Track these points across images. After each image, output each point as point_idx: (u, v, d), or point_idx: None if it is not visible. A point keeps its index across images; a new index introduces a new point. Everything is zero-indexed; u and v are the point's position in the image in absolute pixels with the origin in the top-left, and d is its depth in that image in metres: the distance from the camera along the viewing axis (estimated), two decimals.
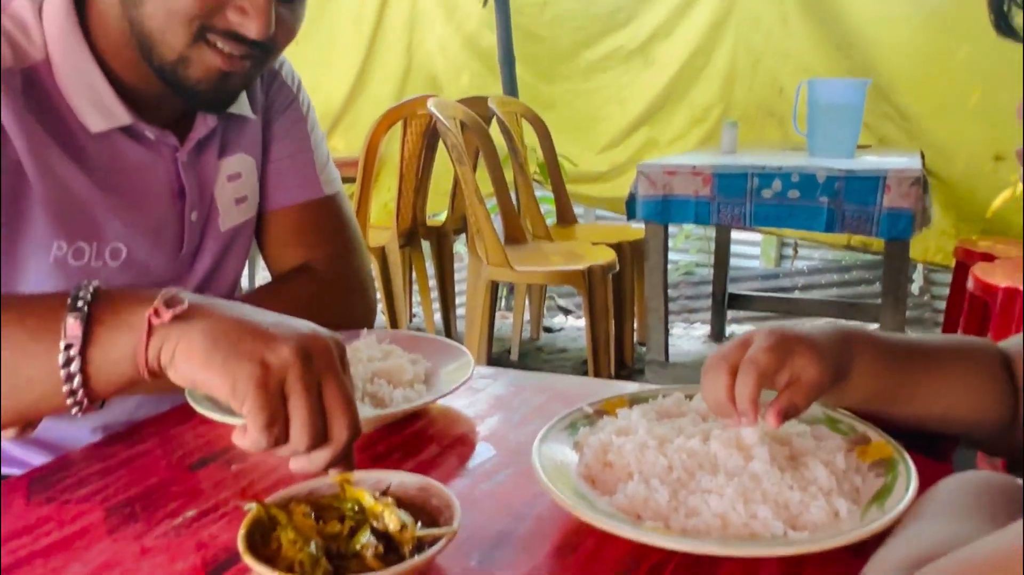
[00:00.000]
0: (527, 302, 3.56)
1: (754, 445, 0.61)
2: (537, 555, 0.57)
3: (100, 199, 0.84)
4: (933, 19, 3.34)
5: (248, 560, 0.50)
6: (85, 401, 0.62)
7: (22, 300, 0.66)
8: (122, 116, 0.83)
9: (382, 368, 0.82)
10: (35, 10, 0.82)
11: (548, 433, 0.67)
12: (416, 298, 3.80)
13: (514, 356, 3.41)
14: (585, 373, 2.89)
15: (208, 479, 0.71)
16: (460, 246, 3.94)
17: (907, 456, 0.61)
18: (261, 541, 0.53)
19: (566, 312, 4.33)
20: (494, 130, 3.23)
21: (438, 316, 3.69)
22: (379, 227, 3.27)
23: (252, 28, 0.77)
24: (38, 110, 0.80)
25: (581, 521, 0.57)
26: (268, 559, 0.51)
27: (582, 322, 3.95)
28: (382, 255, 3.13)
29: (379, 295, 3.19)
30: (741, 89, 3.66)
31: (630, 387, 0.87)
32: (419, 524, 0.54)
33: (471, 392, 0.85)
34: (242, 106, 0.93)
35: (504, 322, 3.86)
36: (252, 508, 0.54)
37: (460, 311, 3.67)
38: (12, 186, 0.79)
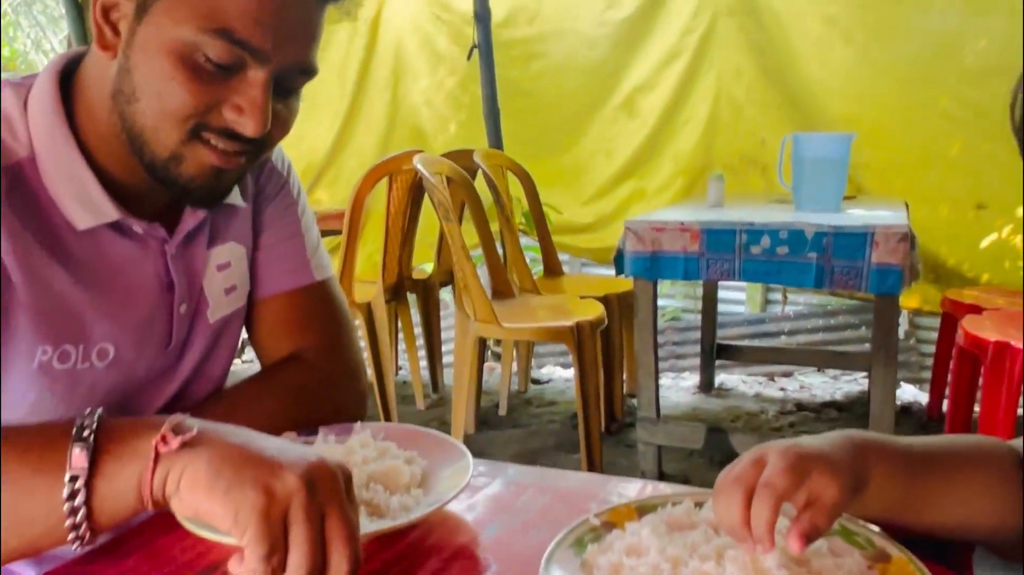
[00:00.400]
0: (515, 354, 3.53)
1: (772, 568, 0.59)
2: None
3: (86, 299, 0.82)
4: (913, 71, 3.39)
5: None
6: (88, 535, 0.61)
7: (22, 433, 0.64)
8: (109, 212, 0.81)
9: (377, 471, 0.79)
10: (20, 104, 0.80)
11: (554, 552, 0.64)
12: (402, 348, 3.76)
13: (502, 411, 3.37)
14: (575, 427, 2.85)
15: None
16: (446, 293, 3.92)
17: None
18: None
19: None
20: (480, 183, 3.23)
21: (424, 365, 3.65)
22: (365, 281, 3.24)
23: (248, 126, 0.76)
24: (23, 209, 0.77)
25: None
26: None
27: (570, 371, 3.93)
28: (368, 311, 3.09)
29: (365, 350, 3.15)
30: (724, 139, 3.69)
31: (633, 486, 0.84)
32: None
33: (469, 491, 0.82)
34: (233, 195, 0.91)
35: (492, 373, 3.82)
36: None
37: (447, 358, 3.65)
38: None
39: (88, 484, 0.60)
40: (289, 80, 0.79)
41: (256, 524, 0.55)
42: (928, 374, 4.22)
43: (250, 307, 0.99)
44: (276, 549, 0.55)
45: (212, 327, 0.93)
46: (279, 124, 0.80)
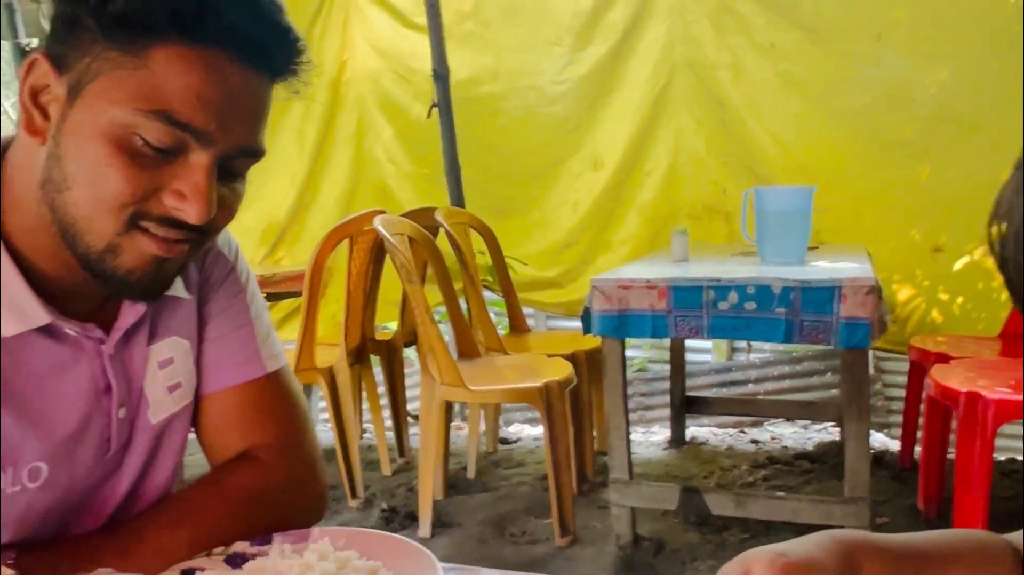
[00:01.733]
0: (482, 413, 3.46)
1: None
2: None
3: (13, 418, 0.74)
4: (866, 120, 3.44)
5: None
6: None
7: None
8: (39, 316, 0.74)
9: None
10: None
11: None
12: (366, 407, 3.66)
13: (471, 474, 3.28)
14: (546, 489, 2.78)
15: None
16: (410, 352, 3.84)
17: None
18: None
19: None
20: (442, 240, 3.19)
21: (388, 425, 3.55)
22: (326, 344, 3.16)
23: (192, 213, 0.71)
24: None
25: None
26: None
27: (539, 429, 3.86)
28: (330, 375, 3.01)
29: (328, 416, 3.06)
30: (686, 190, 3.69)
31: None
32: None
33: None
34: (175, 286, 0.84)
35: (459, 433, 3.74)
36: None
37: (413, 409, 3.55)
38: None
39: None
40: (234, 163, 0.74)
41: None
42: (896, 418, 4.24)
43: (197, 403, 0.91)
44: None
45: (155, 428, 0.86)
46: (224, 209, 0.75)
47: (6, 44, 4.07)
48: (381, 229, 2.65)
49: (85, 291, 0.78)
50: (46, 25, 0.74)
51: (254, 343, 0.93)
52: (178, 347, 0.87)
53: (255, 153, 0.76)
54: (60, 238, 0.72)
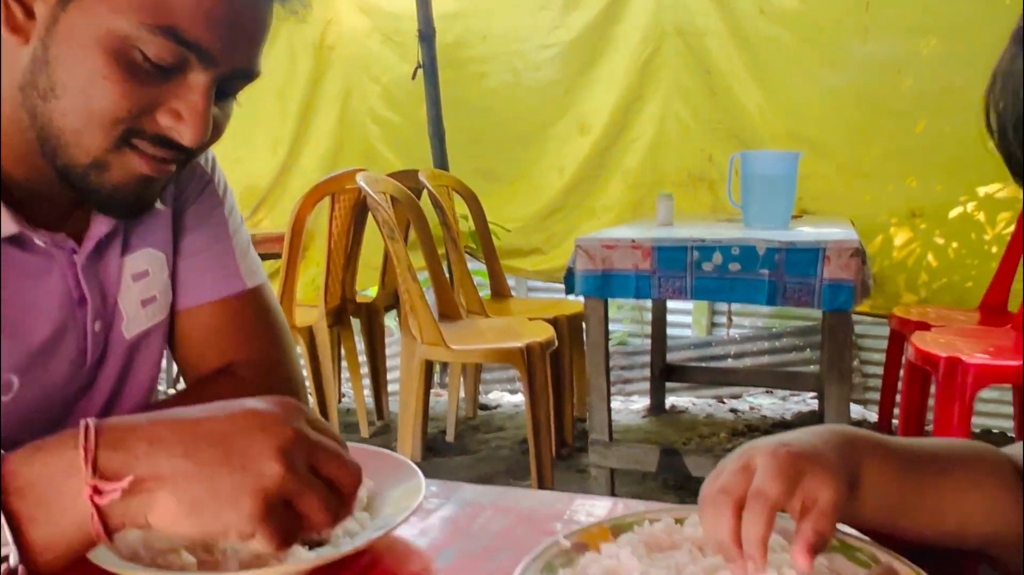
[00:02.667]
0: (462, 379, 3.45)
1: None
2: None
3: None
4: (854, 93, 3.44)
5: None
6: None
7: None
8: (7, 224, 0.70)
9: None
10: None
11: None
12: (345, 375, 3.64)
13: (450, 437, 3.28)
14: (525, 453, 2.78)
15: None
16: (390, 320, 3.82)
17: None
18: None
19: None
20: (425, 203, 3.16)
21: (368, 392, 3.53)
22: (306, 305, 3.13)
23: (186, 134, 0.68)
24: None
25: None
26: None
27: (518, 397, 3.86)
28: (309, 335, 2.98)
29: (307, 376, 3.03)
30: (671, 157, 3.70)
31: (601, 504, 0.76)
32: None
33: (422, 514, 0.74)
34: None
35: (439, 399, 3.72)
36: None
37: (392, 387, 3.53)
38: None
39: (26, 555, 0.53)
40: (229, 84, 0.72)
41: (263, 527, 0.54)
42: (873, 395, 4.27)
43: (173, 319, 0.88)
44: (291, 536, 0.56)
45: (128, 343, 0.83)
46: (214, 129, 0.72)
47: None
48: (364, 185, 2.61)
49: (56, 198, 0.75)
50: None
51: (233, 258, 0.90)
52: (153, 259, 0.84)
53: (252, 75, 0.73)
54: (38, 145, 0.69)
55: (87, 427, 0.55)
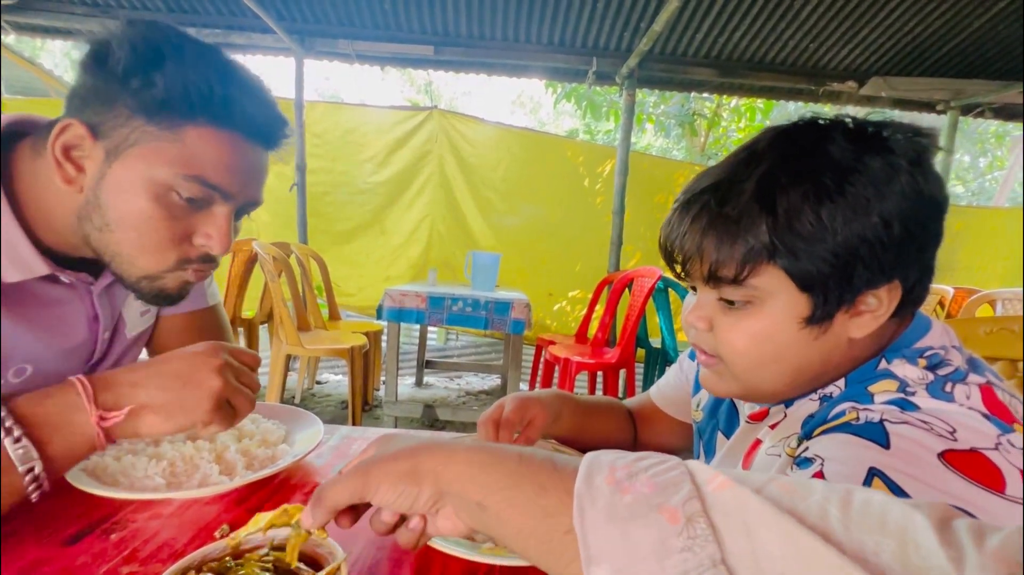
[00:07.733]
0: (307, 367, 3.23)
1: None
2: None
3: (13, 330, 0.56)
4: (534, 218, 3.85)
5: None
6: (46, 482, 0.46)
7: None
8: (39, 268, 0.56)
9: (255, 432, 0.66)
10: None
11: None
12: None
13: (297, 400, 3.05)
14: (345, 409, 2.67)
15: (86, 552, 0.44)
16: (263, 331, 3.47)
17: None
18: None
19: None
20: (293, 261, 2.97)
21: None
22: None
23: (216, 248, 0.58)
24: None
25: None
26: None
27: (340, 376, 3.67)
28: None
29: None
30: (437, 250, 3.82)
31: (425, 435, 0.82)
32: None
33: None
34: None
35: (290, 377, 3.44)
36: None
37: (263, 377, 3.19)
38: None
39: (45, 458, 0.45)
40: (242, 209, 0.62)
41: (216, 417, 0.50)
42: (526, 375, 4.61)
43: (154, 323, 0.77)
44: (232, 418, 0.52)
45: (128, 341, 0.72)
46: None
47: None
48: (257, 248, 2.43)
49: (85, 259, 0.61)
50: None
51: (202, 283, 0.79)
52: None
53: (258, 203, 0.63)
54: (92, 254, 0.56)
55: (80, 380, 0.48)
